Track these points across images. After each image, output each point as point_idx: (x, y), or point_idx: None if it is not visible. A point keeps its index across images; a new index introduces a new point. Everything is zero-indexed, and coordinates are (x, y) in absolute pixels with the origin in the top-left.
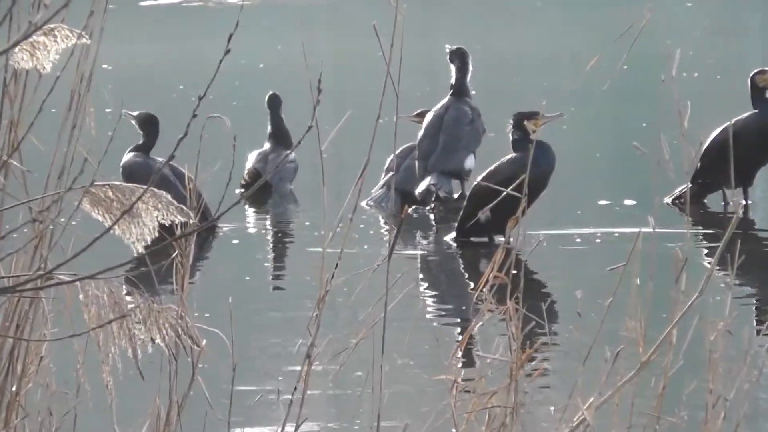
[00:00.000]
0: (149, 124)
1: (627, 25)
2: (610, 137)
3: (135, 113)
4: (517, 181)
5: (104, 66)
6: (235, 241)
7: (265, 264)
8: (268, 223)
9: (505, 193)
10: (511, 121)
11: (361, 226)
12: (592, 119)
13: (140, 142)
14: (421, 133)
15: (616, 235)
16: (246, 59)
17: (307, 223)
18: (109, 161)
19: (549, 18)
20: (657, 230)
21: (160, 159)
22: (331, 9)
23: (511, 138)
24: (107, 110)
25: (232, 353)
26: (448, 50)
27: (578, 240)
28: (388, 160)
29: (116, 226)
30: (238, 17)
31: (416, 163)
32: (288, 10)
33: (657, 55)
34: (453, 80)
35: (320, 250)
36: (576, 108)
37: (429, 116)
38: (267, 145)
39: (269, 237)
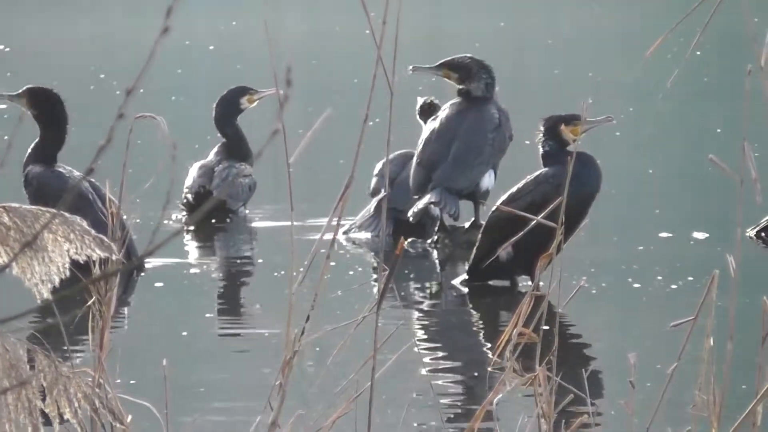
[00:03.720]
0: (46, 104)
1: None
2: (677, 148)
3: (17, 92)
4: (551, 207)
5: None
6: (164, 284)
7: (209, 314)
8: (214, 258)
9: (534, 223)
10: (542, 127)
11: (337, 264)
12: (653, 124)
13: (37, 140)
14: (430, 129)
15: (688, 279)
16: (191, 39)
17: (267, 260)
18: (6, 175)
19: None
20: (738, 274)
21: (76, 173)
22: None
23: (541, 149)
24: (1, 106)
25: None
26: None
27: (633, 285)
28: (376, 168)
29: (14, 263)
30: None
31: (412, 168)
32: None
33: (740, 36)
34: (473, 91)
35: (286, 297)
36: (632, 108)
37: (446, 109)
38: (211, 156)
39: (216, 278)
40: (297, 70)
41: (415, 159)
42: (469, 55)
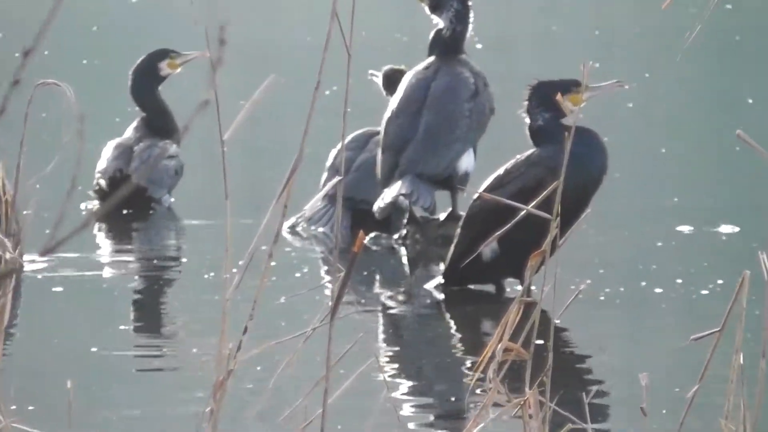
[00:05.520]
0: None
1: None
2: (700, 122)
3: None
4: (545, 194)
5: None
6: (69, 289)
7: (124, 326)
8: (131, 258)
9: (524, 213)
10: (530, 95)
11: (282, 264)
12: (672, 92)
13: None
14: (391, 107)
15: (717, 282)
16: None
17: (196, 260)
18: None
19: None
20: None
21: None
22: None
23: (531, 123)
24: None
25: None
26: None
27: (647, 289)
28: (332, 153)
29: None
30: None
31: (378, 157)
32: None
33: None
34: (443, 30)
35: (218, 304)
36: (648, 74)
37: (407, 80)
38: (129, 132)
39: (133, 282)
40: (235, 27)
41: (380, 144)
42: None
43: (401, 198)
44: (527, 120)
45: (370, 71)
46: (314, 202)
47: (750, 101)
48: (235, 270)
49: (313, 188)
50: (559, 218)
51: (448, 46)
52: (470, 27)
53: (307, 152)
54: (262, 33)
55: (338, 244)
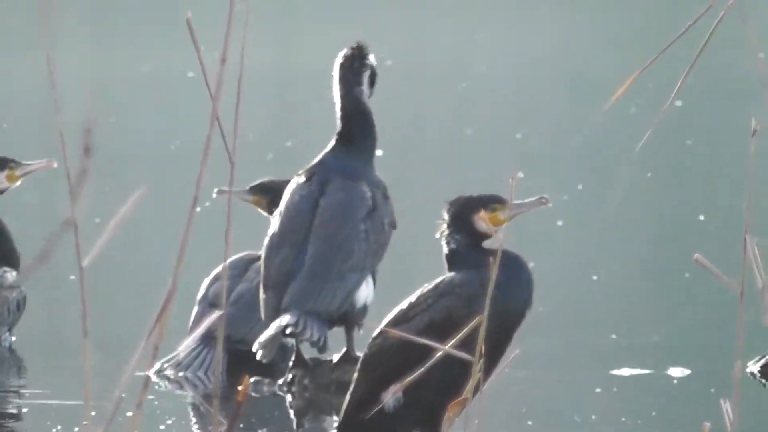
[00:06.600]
0: None
1: (680, 24)
2: (643, 243)
3: None
4: (465, 331)
5: None
6: None
7: None
8: None
9: (441, 354)
10: (447, 214)
11: (149, 416)
12: (610, 208)
13: None
14: (271, 232)
15: None
16: None
17: (44, 413)
18: None
19: (535, 11)
20: (737, 426)
21: None
22: None
23: (446, 246)
24: None
25: None
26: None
27: None
28: (205, 282)
29: None
30: None
31: (260, 295)
32: None
33: (742, 80)
34: (338, 114)
35: None
36: (581, 186)
37: (288, 197)
38: None
39: None
40: (96, 128)
41: (261, 279)
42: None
43: (286, 331)
44: (444, 242)
45: (216, 189)
46: (189, 342)
47: (701, 218)
48: (86, 422)
49: (179, 325)
50: (482, 359)
51: (343, 117)
52: (363, 90)
53: (181, 284)
54: (123, 135)
55: (218, 391)
